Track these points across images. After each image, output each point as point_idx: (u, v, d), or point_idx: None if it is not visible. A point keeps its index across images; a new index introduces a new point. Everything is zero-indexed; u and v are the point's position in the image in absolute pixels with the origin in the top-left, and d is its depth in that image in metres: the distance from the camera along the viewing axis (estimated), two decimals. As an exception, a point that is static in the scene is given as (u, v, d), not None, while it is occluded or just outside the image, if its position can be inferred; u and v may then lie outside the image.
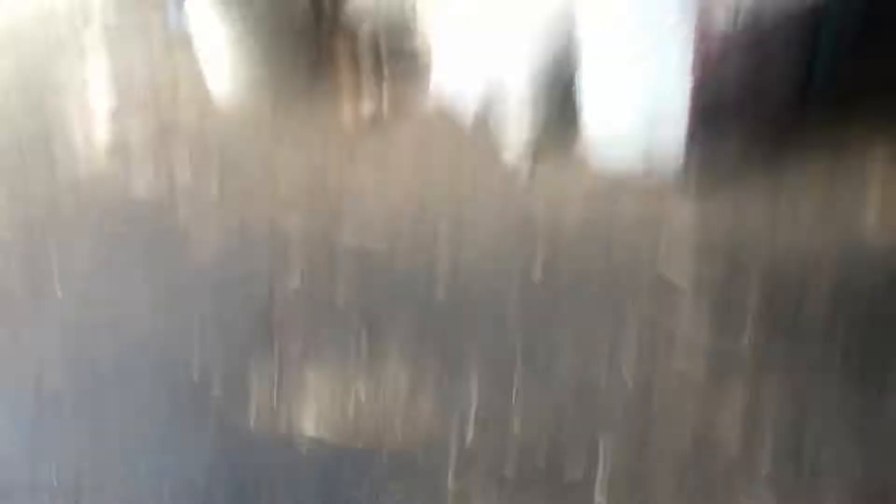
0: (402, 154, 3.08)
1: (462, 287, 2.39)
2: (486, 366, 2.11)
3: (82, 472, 1.87)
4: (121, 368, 2.21)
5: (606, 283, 2.36)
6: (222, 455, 1.90)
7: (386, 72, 3.66)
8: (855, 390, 1.96)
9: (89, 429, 1.99)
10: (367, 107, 3.31)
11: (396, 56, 3.71)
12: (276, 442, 1.93)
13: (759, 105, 2.76)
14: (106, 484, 1.83)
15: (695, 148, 2.66)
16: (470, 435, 1.92)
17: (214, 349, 2.24)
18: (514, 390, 2.03)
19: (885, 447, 1.86)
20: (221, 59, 3.44)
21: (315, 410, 2.03)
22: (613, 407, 1.97)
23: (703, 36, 2.43)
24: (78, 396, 2.10)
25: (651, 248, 2.48)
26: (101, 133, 3.38)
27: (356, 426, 1.97)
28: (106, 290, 2.53)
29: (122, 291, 2.51)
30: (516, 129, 2.87)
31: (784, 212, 2.54)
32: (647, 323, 2.20)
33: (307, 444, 1.92)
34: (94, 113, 3.60)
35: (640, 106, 2.61)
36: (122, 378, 2.17)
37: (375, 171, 3.01)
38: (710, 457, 1.86)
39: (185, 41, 4.06)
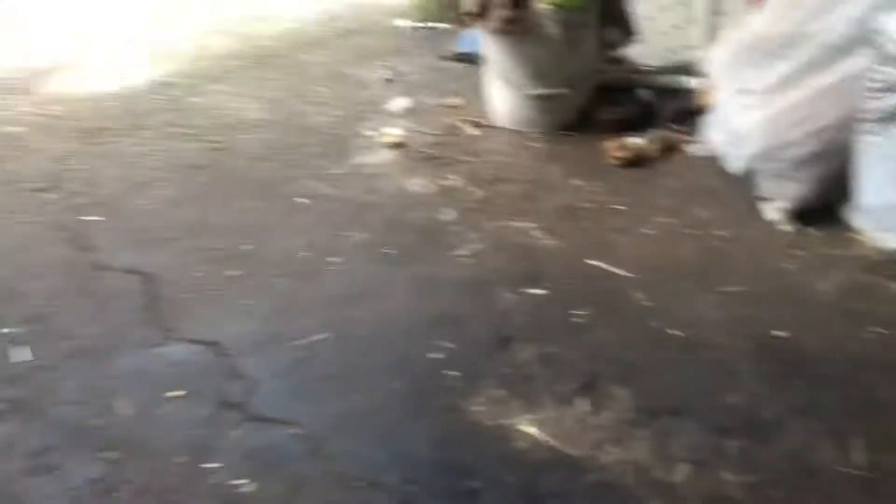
0: (662, 195, 3.14)
1: (697, 335, 2.39)
2: (704, 414, 2.10)
3: (327, 419, 2.13)
4: (376, 338, 2.47)
5: (855, 357, 2.25)
6: (446, 434, 2.07)
7: (656, 115, 3.74)
8: None
9: (340, 386, 2.25)
10: (632, 145, 3.40)
11: (670, 100, 3.78)
12: (497, 434, 2.07)
13: None
14: (345, 436, 2.06)
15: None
16: (680, 476, 1.93)
17: (455, 339, 2.43)
18: (735, 444, 2.00)
19: None
20: (503, 90, 3.73)
21: (538, 413, 2.14)
22: (840, 487, 1.88)
23: None
24: (337, 356, 2.38)
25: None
26: (390, 134, 3.79)
27: (573, 437, 2.05)
28: (372, 267, 2.83)
29: (386, 271, 2.81)
30: (787, 187, 2.82)
31: None
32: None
33: (524, 442, 2.04)
34: (387, 118, 4.04)
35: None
36: (375, 347, 2.42)
37: (630, 205, 3.09)
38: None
39: (470, 70, 4.42)
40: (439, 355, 2.38)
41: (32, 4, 6.63)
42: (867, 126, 2.58)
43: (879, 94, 2.50)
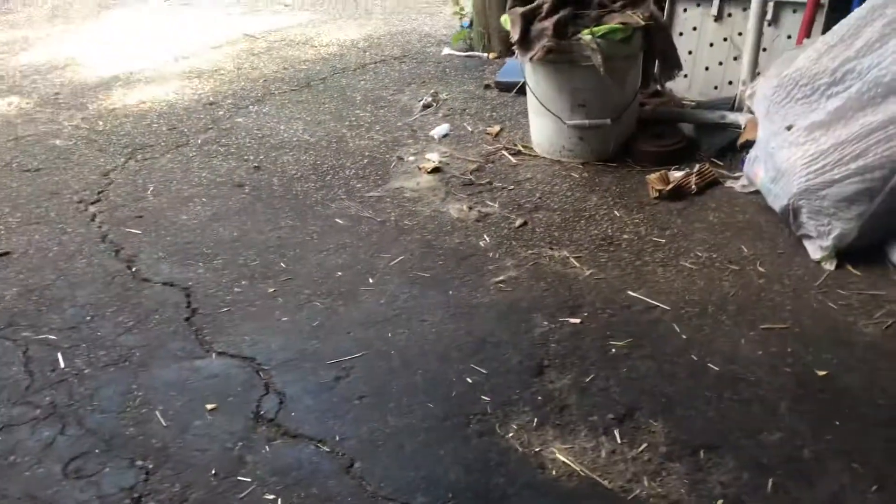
0: (702, 229, 3.11)
1: (737, 371, 2.35)
2: (742, 451, 2.06)
3: (359, 439, 2.12)
4: (411, 360, 2.47)
5: (895, 401, 2.20)
6: (479, 459, 2.05)
7: (699, 149, 3.72)
8: None
9: (374, 406, 2.24)
10: (673, 178, 3.39)
11: (712, 134, 3.76)
12: (529, 461, 2.04)
13: None
14: (377, 456, 2.06)
15: None
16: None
17: (490, 365, 2.42)
18: (773, 483, 1.96)
19: None
20: (544, 119, 3.74)
21: (572, 442, 2.12)
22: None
23: None
24: (371, 376, 2.38)
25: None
26: (430, 159, 3.81)
27: (607, 468, 2.03)
28: (408, 289, 2.84)
29: (422, 294, 2.81)
30: (831, 225, 2.78)
31: None
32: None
33: (557, 470, 2.01)
34: (427, 143, 4.06)
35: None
36: (410, 369, 2.42)
37: (670, 238, 3.06)
38: None
39: (512, 99, 4.44)
40: (474, 379, 2.37)
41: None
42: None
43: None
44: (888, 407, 2.17)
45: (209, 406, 2.30)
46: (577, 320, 2.61)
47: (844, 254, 2.82)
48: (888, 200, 2.69)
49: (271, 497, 1.99)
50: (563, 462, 2.06)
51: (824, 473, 1.98)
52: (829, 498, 1.91)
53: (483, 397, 2.30)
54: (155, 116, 4.62)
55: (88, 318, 2.74)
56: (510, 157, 3.87)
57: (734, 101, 3.84)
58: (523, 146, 3.94)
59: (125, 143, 4.24)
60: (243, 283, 2.90)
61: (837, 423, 2.13)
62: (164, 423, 2.24)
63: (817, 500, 1.91)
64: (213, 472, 2.07)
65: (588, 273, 2.87)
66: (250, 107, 4.73)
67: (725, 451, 2.06)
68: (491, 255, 3.02)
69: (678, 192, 3.34)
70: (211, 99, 4.89)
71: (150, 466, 2.09)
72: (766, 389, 2.26)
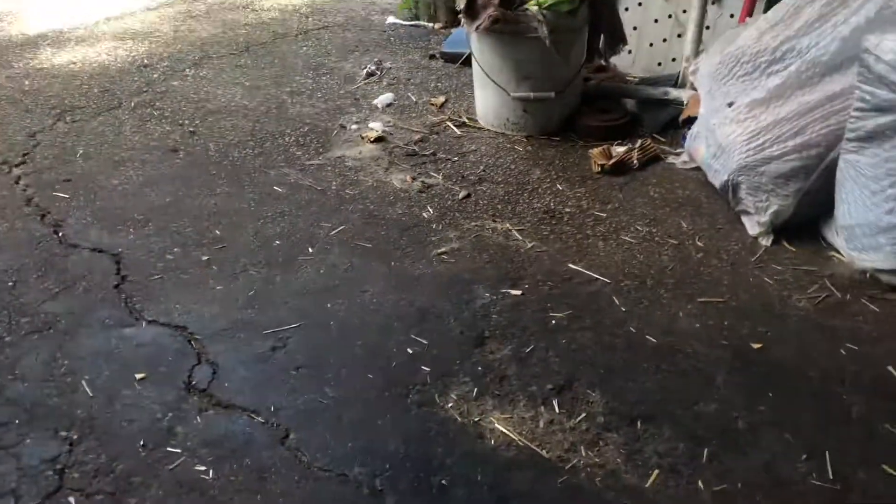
0: (643, 204, 3.13)
1: (674, 343, 2.38)
2: (678, 422, 2.08)
3: (295, 409, 2.07)
4: (350, 331, 2.42)
5: (829, 372, 2.25)
6: (417, 430, 2.02)
7: (641, 125, 3.74)
8: None
9: (311, 377, 2.19)
10: (615, 153, 3.39)
11: (655, 110, 3.78)
12: (468, 431, 2.03)
13: None
14: (314, 428, 2.01)
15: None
16: (651, 482, 1.90)
17: (431, 336, 2.39)
18: (707, 452, 1.98)
19: None
20: (489, 91, 3.70)
21: (511, 412, 2.11)
22: (809, 500, 1.86)
23: None
24: (309, 347, 2.32)
25: (875, 344, 2.34)
26: (373, 128, 3.75)
27: (545, 438, 2.02)
28: (349, 260, 2.78)
29: (363, 265, 2.76)
30: (768, 201, 2.82)
31: None
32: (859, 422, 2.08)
33: (496, 440, 2.00)
34: (370, 113, 3.99)
35: (888, 201, 2.47)
36: (349, 340, 2.37)
37: (611, 212, 3.07)
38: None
39: (456, 69, 4.39)
40: (414, 350, 2.34)
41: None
42: (849, 145, 2.59)
43: (864, 114, 2.51)
44: (819, 379, 2.22)
45: (138, 375, 2.22)
46: (519, 292, 2.60)
47: (781, 230, 2.86)
48: (823, 178, 2.74)
49: (202, 468, 1.93)
50: (502, 432, 2.05)
51: (757, 444, 2.01)
52: (762, 467, 1.95)
53: (423, 367, 2.27)
54: (86, 77, 4.43)
55: (10, 283, 2.61)
56: (455, 128, 3.82)
57: (677, 77, 3.86)
58: (468, 118, 3.90)
59: (53, 105, 4.05)
60: (176, 250, 2.81)
61: (771, 394, 2.16)
62: (91, 393, 2.16)
63: (750, 469, 1.94)
64: (142, 442, 2.00)
65: (530, 246, 2.86)
66: (187, 70, 4.57)
67: (662, 422, 2.08)
68: (434, 226, 2.99)
69: (620, 167, 3.35)
70: (146, 61, 4.71)
71: (75, 437, 2.01)
72: (703, 361, 2.28)
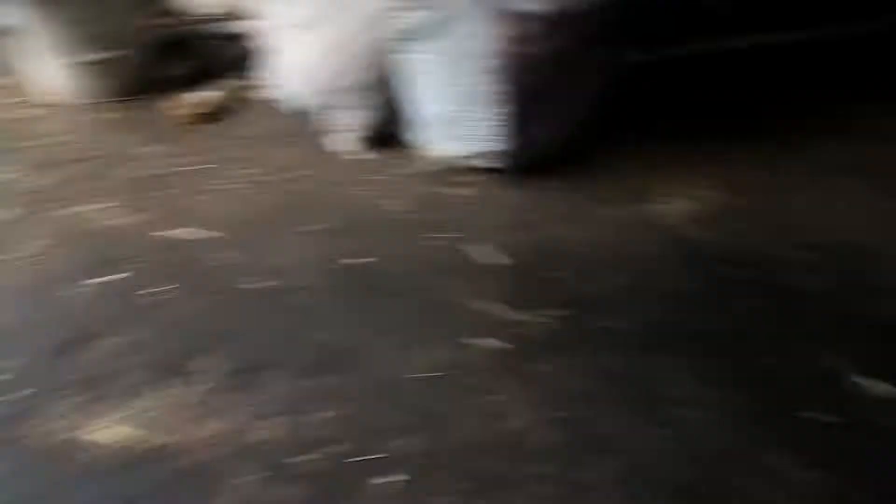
0: (237, 147, 3.05)
1: (283, 284, 2.38)
2: (294, 359, 2.11)
3: None
4: None
5: (426, 266, 2.40)
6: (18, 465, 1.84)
7: (216, 68, 3.60)
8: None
9: None
10: (190, 102, 3.25)
11: (229, 47, 3.66)
12: (70, 447, 1.87)
13: (576, 91, 2.85)
14: None
15: (511, 133, 2.73)
16: (274, 433, 1.91)
17: (22, 353, 2.17)
18: (326, 382, 2.03)
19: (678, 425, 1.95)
20: (49, 61, 3.32)
21: (126, 409, 1.99)
22: (409, 391, 2.00)
23: (508, 16, 2.50)
24: None
25: (467, 228, 2.55)
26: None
27: (165, 424, 1.94)
28: None
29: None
30: (350, 116, 2.88)
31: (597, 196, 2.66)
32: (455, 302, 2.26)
33: (108, 447, 1.87)
34: None
35: (452, 92, 2.66)
36: None
37: (207, 163, 2.96)
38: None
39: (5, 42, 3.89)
40: (5, 377, 2.09)
41: None
42: (399, 46, 2.69)
43: (401, 14, 2.61)
44: (417, 276, 2.36)
45: None
46: (120, 276, 2.43)
47: (373, 141, 2.95)
48: (393, 83, 2.85)
49: None
50: (114, 435, 1.93)
51: (369, 356, 2.10)
52: (372, 378, 2.05)
53: (21, 392, 2.04)
54: None
55: None
56: (19, 110, 3.40)
57: (241, 9, 3.71)
58: (31, 97, 3.47)
59: None
60: None
61: (375, 303, 2.28)
62: None
63: (364, 384, 2.02)
64: None
65: (129, 221, 2.67)
66: None
67: (277, 367, 2.09)
68: (16, 227, 2.67)
69: (210, 115, 3.22)
70: None
71: None
72: (311, 293, 2.32)
